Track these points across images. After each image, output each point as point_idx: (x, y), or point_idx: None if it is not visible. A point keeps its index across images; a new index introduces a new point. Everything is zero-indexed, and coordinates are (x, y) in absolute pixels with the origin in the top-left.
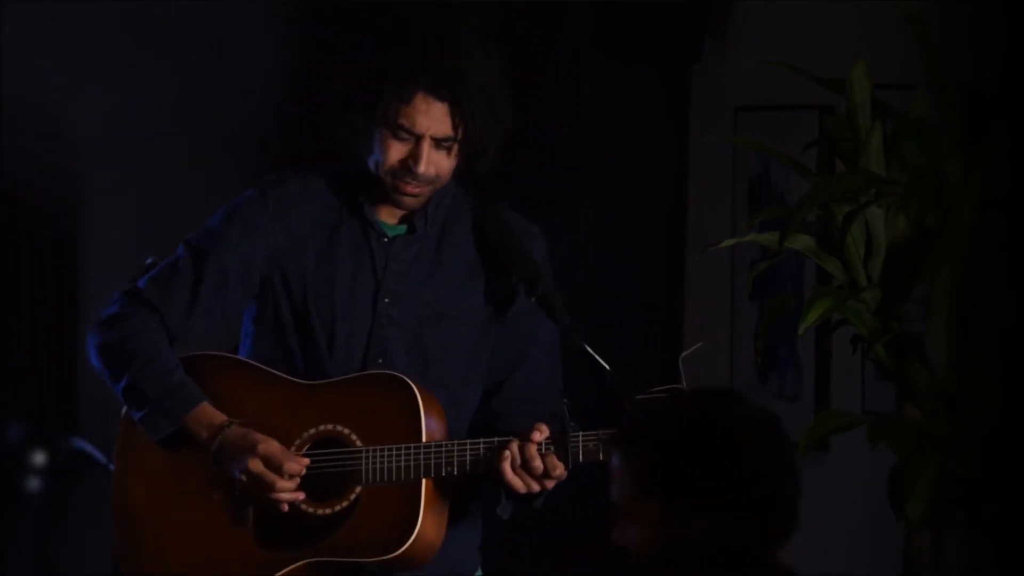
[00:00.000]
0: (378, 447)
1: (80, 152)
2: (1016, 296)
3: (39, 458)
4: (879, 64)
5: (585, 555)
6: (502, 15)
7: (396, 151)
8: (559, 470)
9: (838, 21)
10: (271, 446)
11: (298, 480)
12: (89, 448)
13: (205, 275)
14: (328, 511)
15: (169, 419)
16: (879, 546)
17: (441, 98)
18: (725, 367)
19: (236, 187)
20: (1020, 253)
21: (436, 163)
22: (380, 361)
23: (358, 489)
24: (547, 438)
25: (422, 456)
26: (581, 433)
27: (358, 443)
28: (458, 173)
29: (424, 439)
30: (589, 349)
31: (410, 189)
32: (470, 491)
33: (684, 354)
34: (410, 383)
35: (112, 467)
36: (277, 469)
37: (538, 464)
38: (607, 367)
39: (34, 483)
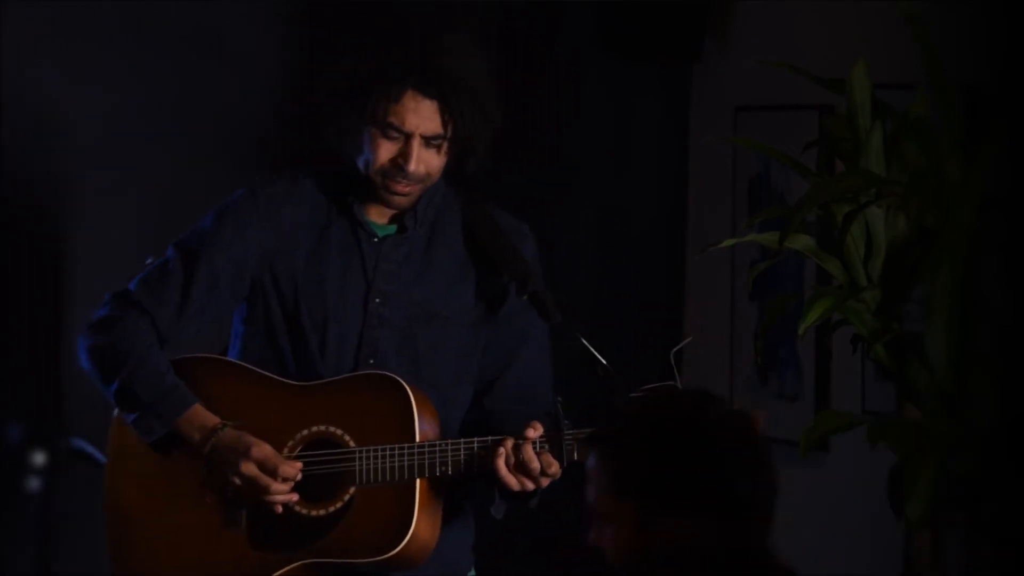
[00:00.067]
0: (372, 447)
1: (80, 152)
2: (1016, 296)
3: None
4: (879, 64)
5: (579, 555)
6: (502, 15)
7: (386, 150)
8: (554, 468)
9: (838, 21)
10: (265, 449)
11: (292, 483)
12: (89, 448)
13: (196, 276)
14: (322, 512)
15: (162, 421)
16: (879, 546)
17: (430, 96)
18: (725, 367)
19: (236, 187)
20: (1020, 253)
21: (426, 161)
22: (371, 361)
23: (352, 490)
24: (541, 436)
25: (416, 456)
26: (576, 431)
27: (351, 444)
28: (447, 172)
29: (418, 439)
30: (586, 343)
31: (400, 188)
32: (463, 491)
33: (675, 350)
34: (403, 383)
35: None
36: (271, 472)
37: (535, 463)
38: (603, 362)
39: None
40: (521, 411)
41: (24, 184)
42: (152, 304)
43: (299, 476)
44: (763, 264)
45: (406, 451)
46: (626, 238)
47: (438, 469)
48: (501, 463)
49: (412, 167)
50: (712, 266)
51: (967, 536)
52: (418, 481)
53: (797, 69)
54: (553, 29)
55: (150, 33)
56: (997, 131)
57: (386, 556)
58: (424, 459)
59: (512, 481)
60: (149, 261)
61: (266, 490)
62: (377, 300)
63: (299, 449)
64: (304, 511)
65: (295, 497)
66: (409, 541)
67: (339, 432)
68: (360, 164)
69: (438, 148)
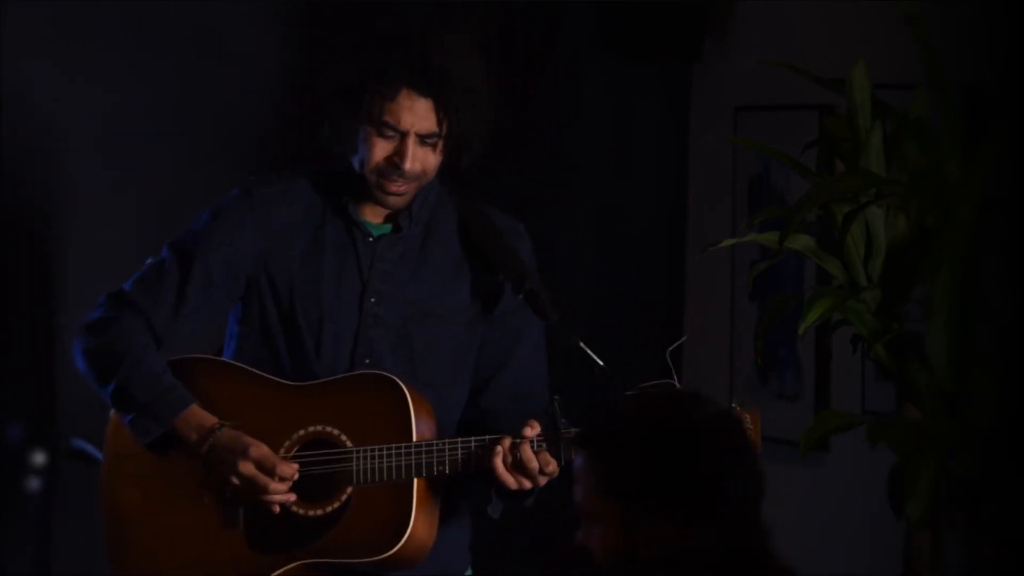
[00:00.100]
0: (369, 447)
1: (80, 152)
2: (1016, 296)
3: (39, 458)
4: (879, 64)
5: (575, 554)
6: (502, 15)
7: (381, 149)
8: (552, 466)
9: (838, 21)
10: (263, 449)
11: (290, 483)
12: (89, 448)
13: (191, 276)
14: (319, 512)
15: (159, 422)
16: (879, 546)
17: (425, 94)
18: (725, 367)
19: (236, 187)
20: (1020, 253)
21: (422, 160)
22: (367, 361)
23: (349, 490)
24: (539, 435)
25: (413, 455)
26: (573, 430)
27: (348, 444)
28: (442, 170)
29: (415, 439)
30: (583, 345)
31: (395, 188)
32: (460, 490)
33: (670, 348)
34: (399, 383)
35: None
36: (269, 472)
37: (534, 463)
38: (601, 363)
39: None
40: (517, 410)
41: (24, 184)
42: (147, 304)
43: (296, 476)
44: (763, 264)
45: (403, 451)
46: (626, 238)
47: (435, 468)
48: (499, 462)
49: (408, 165)
50: (712, 266)
51: (967, 536)
52: (415, 481)
53: (797, 69)
54: (553, 29)
55: (150, 33)
56: (997, 131)
57: (384, 556)
58: (421, 459)
59: (510, 480)
60: (149, 262)
61: (264, 490)
62: (372, 300)
63: (296, 449)
64: (301, 511)
65: (293, 497)
66: (407, 541)
67: (336, 432)
68: (355, 163)
69: (433, 146)
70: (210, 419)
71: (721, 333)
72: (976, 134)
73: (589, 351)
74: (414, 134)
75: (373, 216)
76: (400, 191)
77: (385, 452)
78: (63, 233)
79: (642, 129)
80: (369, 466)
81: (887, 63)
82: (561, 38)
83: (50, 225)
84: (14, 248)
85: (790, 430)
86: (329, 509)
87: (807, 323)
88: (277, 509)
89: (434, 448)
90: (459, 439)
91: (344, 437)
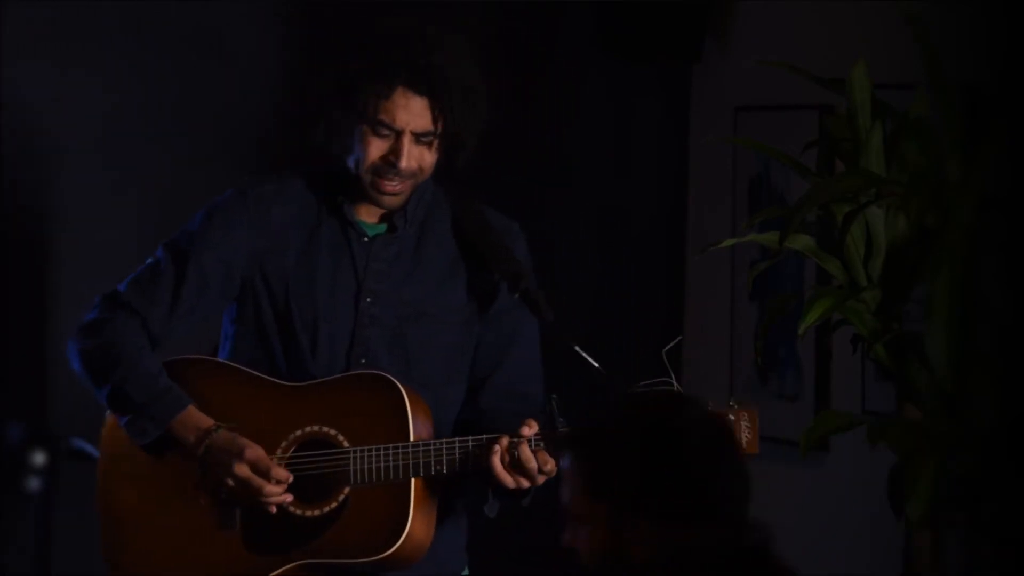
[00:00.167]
0: (366, 447)
1: (80, 152)
2: (1016, 296)
3: (39, 458)
4: (879, 64)
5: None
6: (502, 15)
7: (377, 147)
8: (550, 465)
9: (838, 21)
10: (258, 451)
11: (285, 485)
12: (89, 448)
13: (186, 276)
14: (316, 513)
15: (155, 423)
16: (879, 546)
17: (420, 93)
18: (725, 367)
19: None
20: (1020, 253)
21: (417, 158)
22: (363, 361)
23: (346, 490)
24: (536, 434)
25: (410, 455)
26: (570, 428)
27: (345, 444)
28: (437, 169)
29: (412, 439)
30: (578, 348)
31: (391, 187)
32: (456, 490)
33: (666, 348)
34: (396, 383)
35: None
36: (264, 474)
37: (532, 462)
38: (597, 366)
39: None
40: (513, 409)
41: (25, 184)
42: (143, 305)
43: (291, 479)
44: (763, 264)
45: (400, 451)
46: (626, 238)
47: (433, 468)
48: (496, 461)
49: (403, 164)
50: (712, 266)
51: (967, 536)
52: (413, 481)
53: (797, 69)
54: (553, 29)
55: (150, 33)
56: (997, 131)
57: (381, 556)
58: (419, 458)
59: (507, 479)
60: (149, 261)
61: (259, 492)
62: (368, 299)
63: (292, 450)
64: (299, 512)
65: (289, 498)
66: (404, 541)
67: (332, 432)
68: (350, 163)
69: (429, 145)
70: (207, 421)
71: (721, 333)
72: (976, 134)
73: (584, 354)
74: (409, 132)
75: (368, 216)
76: (396, 190)
77: (382, 452)
78: (63, 233)
79: (642, 129)
80: (366, 466)
81: (887, 63)
82: (561, 38)
83: (50, 225)
84: (14, 248)
85: (790, 430)
86: (326, 509)
87: (807, 323)
88: (274, 510)
89: (431, 448)
90: (456, 439)
91: (341, 437)
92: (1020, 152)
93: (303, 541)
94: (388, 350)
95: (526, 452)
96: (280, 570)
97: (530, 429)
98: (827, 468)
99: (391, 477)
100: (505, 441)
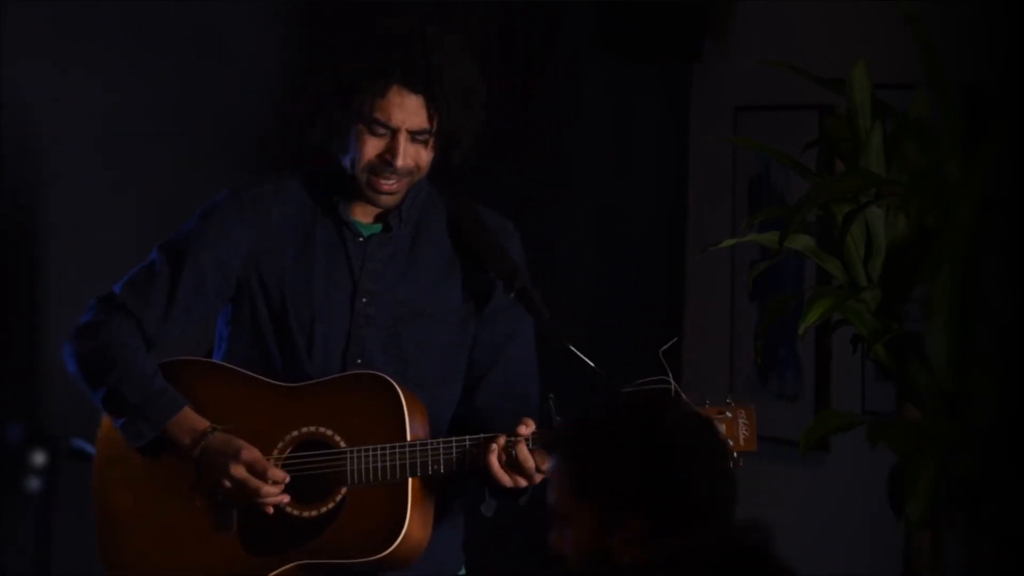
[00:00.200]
0: (363, 447)
1: (80, 152)
2: (1016, 296)
3: (39, 458)
4: (879, 64)
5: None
6: (502, 15)
7: (373, 146)
8: (547, 464)
9: (838, 21)
10: (254, 453)
11: (282, 486)
12: (89, 448)
13: (182, 276)
14: (314, 513)
15: (151, 425)
16: (879, 546)
17: (416, 91)
18: (725, 367)
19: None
20: (1020, 253)
21: (414, 156)
22: (359, 361)
23: (344, 490)
24: (534, 432)
25: (408, 455)
26: (556, 428)
27: (342, 444)
28: (432, 169)
29: (408, 438)
30: (573, 348)
31: (387, 186)
32: (453, 489)
33: (663, 348)
34: (393, 383)
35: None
36: (261, 475)
37: (530, 461)
38: (592, 365)
39: (34, 483)
40: (509, 408)
41: (25, 184)
42: (138, 306)
43: (287, 480)
44: (763, 264)
45: (397, 450)
46: (626, 238)
47: (430, 468)
48: (494, 460)
49: (400, 162)
50: (712, 266)
51: (967, 536)
52: (410, 481)
53: (797, 69)
54: (553, 29)
55: (150, 33)
56: (997, 131)
57: (379, 556)
58: (416, 458)
59: (505, 478)
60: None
61: (256, 493)
62: (364, 300)
63: (289, 450)
64: (296, 512)
65: (286, 499)
66: (402, 541)
67: (329, 433)
68: (346, 163)
69: (425, 143)
70: (202, 422)
71: (721, 333)
72: (976, 134)
73: (579, 353)
74: (405, 130)
75: (363, 216)
76: (392, 189)
77: (379, 452)
78: (63, 233)
79: (642, 129)
80: (363, 466)
81: (887, 63)
82: (561, 38)
83: (51, 225)
84: (14, 248)
85: (790, 430)
86: (324, 510)
87: (807, 323)
88: (270, 510)
89: (428, 448)
90: (453, 438)
91: (338, 438)
92: (1020, 152)
93: (300, 542)
94: (384, 350)
95: (523, 451)
96: (278, 571)
97: (527, 428)
98: (827, 468)
99: (388, 477)
100: (502, 440)
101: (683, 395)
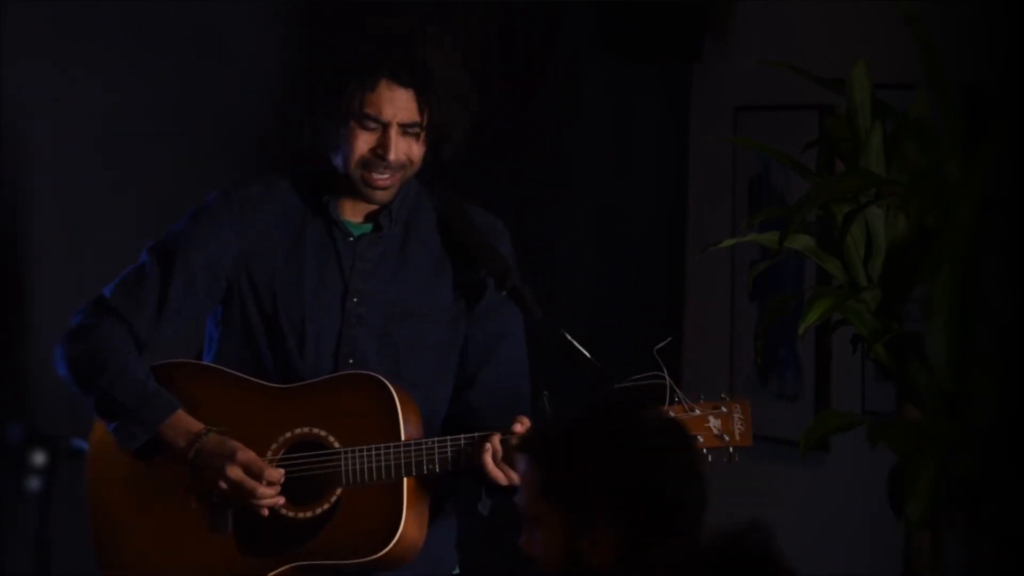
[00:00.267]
0: (357, 448)
1: (80, 152)
2: (1016, 296)
3: (39, 458)
4: (879, 64)
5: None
6: (502, 15)
7: (364, 141)
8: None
9: (838, 21)
10: (250, 454)
11: (278, 487)
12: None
13: (172, 277)
14: (309, 514)
15: (144, 428)
16: (879, 546)
17: (405, 84)
18: (725, 367)
19: None
20: (1020, 253)
21: (406, 150)
22: (351, 361)
23: (339, 491)
24: (511, 433)
25: (402, 455)
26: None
27: (336, 445)
28: (423, 166)
29: (403, 438)
30: (569, 337)
31: (381, 181)
32: (447, 488)
33: (658, 347)
34: (386, 382)
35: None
36: (257, 476)
37: None
38: (588, 355)
39: (34, 483)
40: (502, 406)
41: (25, 184)
42: (129, 308)
43: (283, 479)
44: (763, 264)
45: (392, 450)
46: (626, 238)
47: (425, 467)
48: (488, 458)
49: (392, 156)
50: (712, 266)
51: (967, 536)
52: (405, 480)
53: (797, 69)
54: (553, 29)
55: (150, 33)
56: (997, 131)
57: (375, 556)
58: (411, 458)
59: (500, 476)
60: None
61: (252, 494)
62: (355, 300)
63: (283, 452)
64: (291, 514)
65: (282, 500)
66: (398, 541)
67: (323, 433)
68: (338, 161)
69: (416, 136)
70: (196, 424)
71: (721, 333)
72: (976, 134)
73: (575, 343)
74: (396, 124)
75: (353, 215)
76: (386, 183)
77: (374, 452)
78: (63, 233)
79: (642, 129)
80: (358, 467)
81: (887, 63)
82: (561, 38)
83: (51, 225)
84: (13, 248)
85: (790, 430)
86: (319, 511)
87: (807, 323)
88: (266, 512)
89: (423, 447)
90: (448, 437)
91: (332, 438)
92: (1020, 152)
93: (296, 543)
94: (376, 350)
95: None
96: (274, 572)
97: (522, 426)
98: (827, 468)
99: (383, 477)
100: (497, 438)
101: (677, 391)
